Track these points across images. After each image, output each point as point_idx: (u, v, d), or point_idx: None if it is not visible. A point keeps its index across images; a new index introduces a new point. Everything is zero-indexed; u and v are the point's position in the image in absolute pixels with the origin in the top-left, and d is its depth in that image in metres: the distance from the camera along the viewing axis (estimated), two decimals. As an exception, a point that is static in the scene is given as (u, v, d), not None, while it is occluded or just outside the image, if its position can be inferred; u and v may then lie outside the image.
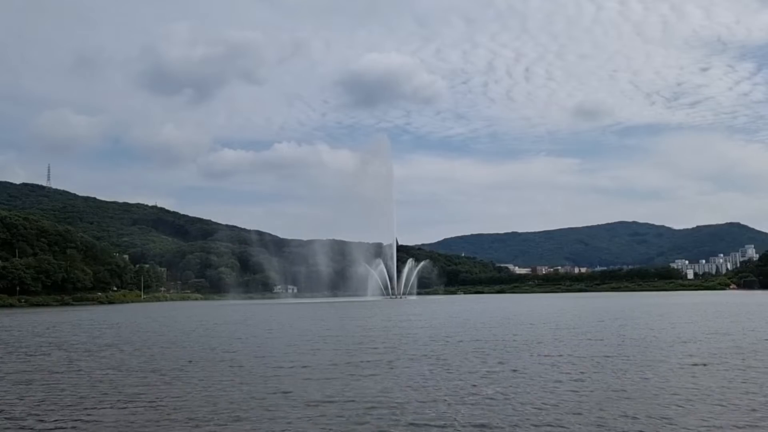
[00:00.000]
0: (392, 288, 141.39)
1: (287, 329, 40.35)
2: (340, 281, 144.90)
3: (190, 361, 22.41)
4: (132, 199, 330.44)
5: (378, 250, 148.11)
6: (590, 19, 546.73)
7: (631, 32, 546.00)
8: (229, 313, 68.50)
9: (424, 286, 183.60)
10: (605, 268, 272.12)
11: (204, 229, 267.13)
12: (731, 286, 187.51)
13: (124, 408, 14.01)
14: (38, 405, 14.50)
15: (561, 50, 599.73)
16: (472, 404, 13.53)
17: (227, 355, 24.46)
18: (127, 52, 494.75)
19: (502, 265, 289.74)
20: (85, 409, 13.99)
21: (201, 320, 53.72)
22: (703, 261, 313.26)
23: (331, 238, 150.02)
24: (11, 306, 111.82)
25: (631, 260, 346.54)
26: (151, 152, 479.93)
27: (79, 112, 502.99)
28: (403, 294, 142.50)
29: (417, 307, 77.80)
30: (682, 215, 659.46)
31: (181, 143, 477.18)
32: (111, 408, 14.07)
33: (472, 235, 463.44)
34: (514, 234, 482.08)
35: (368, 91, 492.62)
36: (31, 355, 25.76)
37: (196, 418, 12.87)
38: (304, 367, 20.34)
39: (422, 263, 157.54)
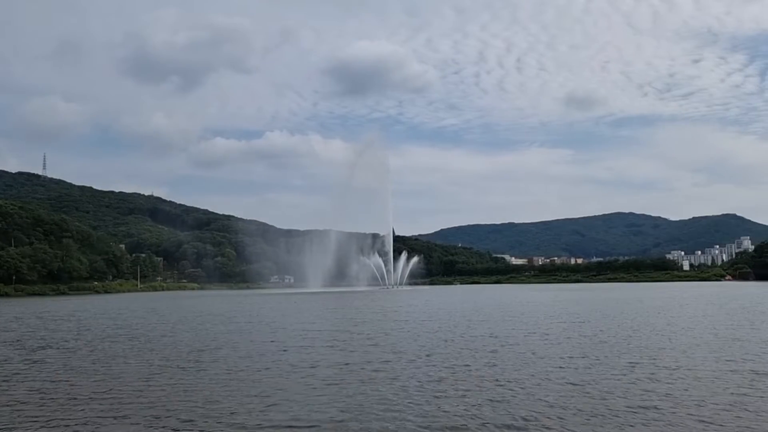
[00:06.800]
0: (387, 279, 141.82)
1: (277, 322, 40.18)
2: (336, 271, 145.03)
3: (189, 358, 22.07)
4: (125, 188, 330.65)
5: (374, 241, 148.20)
6: (580, 9, 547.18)
7: (622, 23, 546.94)
8: (222, 304, 68.50)
9: (423, 276, 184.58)
10: (601, 258, 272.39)
11: (200, 219, 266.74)
12: (727, 277, 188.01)
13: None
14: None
15: (552, 41, 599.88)
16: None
17: (205, 354, 22.64)
18: (114, 39, 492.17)
19: (498, 255, 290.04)
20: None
21: (187, 312, 53.48)
22: (699, 252, 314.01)
23: (327, 228, 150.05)
24: (7, 295, 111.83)
25: (627, 251, 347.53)
26: (141, 141, 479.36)
27: (67, 99, 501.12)
28: (399, 284, 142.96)
29: (409, 299, 78.09)
30: (678, 206, 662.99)
31: (172, 132, 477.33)
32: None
33: (468, 226, 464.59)
34: (511, 224, 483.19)
35: (358, 80, 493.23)
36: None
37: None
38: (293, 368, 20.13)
39: (414, 258, 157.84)
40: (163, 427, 11.88)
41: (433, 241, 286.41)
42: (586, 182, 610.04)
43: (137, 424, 12.13)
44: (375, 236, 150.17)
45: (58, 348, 25.31)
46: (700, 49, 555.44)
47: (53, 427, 12.07)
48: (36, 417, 12.77)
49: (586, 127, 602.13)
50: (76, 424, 12.16)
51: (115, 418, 12.59)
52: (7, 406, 13.90)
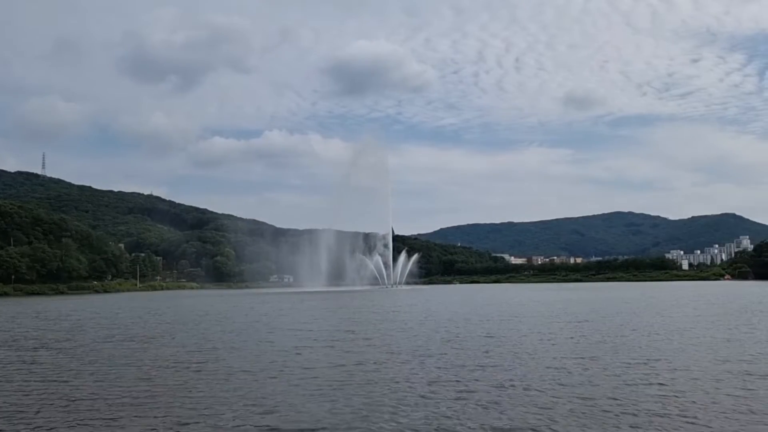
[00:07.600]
0: (386, 278, 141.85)
1: (275, 322, 40.15)
2: (336, 271, 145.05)
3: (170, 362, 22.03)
4: (125, 188, 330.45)
5: (374, 240, 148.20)
6: (579, 9, 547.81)
7: (621, 22, 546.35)
8: (221, 304, 68.43)
9: (423, 276, 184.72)
10: (601, 258, 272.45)
11: (200, 218, 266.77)
12: (726, 277, 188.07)
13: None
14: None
15: (551, 40, 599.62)
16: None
17: (200, 356, 22.64)
18: (113, 39, 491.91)
19: (497, 254, 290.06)
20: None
21: (185, 312, 53.41)
22: (698, 251, 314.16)
23: (327, 227, 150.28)
24: (6, 295, 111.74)
25: (626, 250, 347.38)
26: (140, 140, 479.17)
27: (66, 99, 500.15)
28: (398, 284, 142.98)
29: (408, 298, 78.14)
30: (678, 206, 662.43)
31: (171, 131, 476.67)
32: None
33: (467, 225, 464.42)
34: (510, 224, 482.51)
35: (357, 79, 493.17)
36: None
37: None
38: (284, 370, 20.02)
39: (414, 257, 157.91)
40: (153, 429, 11.85)
41: (432, 241, 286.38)
42: (585, 182, 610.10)
43: (131, 425, 12.09)
44: (368, 235, 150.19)
45: (54, 348, 25.27)
46: (698, 49, 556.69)
47: (50, 427, 12.06)
48: (32, 418, 12.74)
49: (585, 126, 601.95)
50: (70, 427, 12.14)
51: (109, 419, 12.56)
52: (3, 407, 13.90)
